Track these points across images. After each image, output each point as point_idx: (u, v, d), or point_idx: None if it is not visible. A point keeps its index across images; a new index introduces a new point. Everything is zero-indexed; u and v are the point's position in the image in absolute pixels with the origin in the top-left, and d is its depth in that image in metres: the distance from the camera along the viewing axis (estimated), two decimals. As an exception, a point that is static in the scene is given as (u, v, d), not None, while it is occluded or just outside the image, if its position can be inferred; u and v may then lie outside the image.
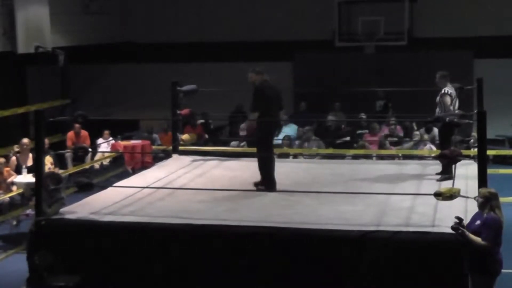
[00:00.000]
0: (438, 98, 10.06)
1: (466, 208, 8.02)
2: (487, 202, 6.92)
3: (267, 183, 9.43)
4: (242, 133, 9.66)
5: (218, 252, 7.73)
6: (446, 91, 9.92)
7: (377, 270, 7.42)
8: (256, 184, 9.50)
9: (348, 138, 15.58)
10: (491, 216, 6.84)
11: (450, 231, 7.28)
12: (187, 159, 11.41)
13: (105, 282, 7.97)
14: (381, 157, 13.92)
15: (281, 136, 15.36)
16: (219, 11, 19.00)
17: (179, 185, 9.74)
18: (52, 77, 17.45)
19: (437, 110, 10.07)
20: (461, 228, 6.84)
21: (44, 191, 8.10)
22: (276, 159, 13.32)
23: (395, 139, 15.60)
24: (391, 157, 13.87)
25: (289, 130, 15.97)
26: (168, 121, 14.07)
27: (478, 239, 6.76)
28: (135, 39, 19.29)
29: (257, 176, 10.48)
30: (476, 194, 7.56)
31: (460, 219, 6.92)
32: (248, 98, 16.87)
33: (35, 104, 16.15)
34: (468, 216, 7.68)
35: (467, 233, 6.79)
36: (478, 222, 6.89)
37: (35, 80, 18.32)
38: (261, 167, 9.55)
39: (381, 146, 15.03)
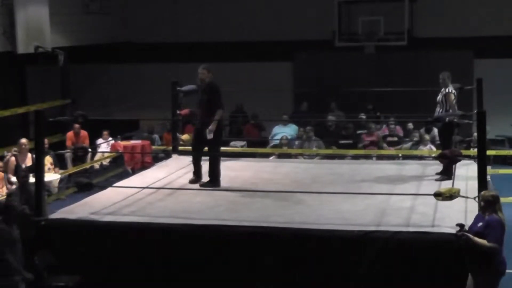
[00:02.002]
0: (440, 97, 10.07)
1: (466, 208, 8.03)
2: (490, 205, 6.87)
3: (215, 180, 9.74)
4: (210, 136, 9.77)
5: (218, 252, 7.73)
6: (450, 90, 9.97)
7: (377, 270, 7.42)
8: (203, 184, 9.73)
9: (351, 141, 15.53)
10: (494, 218, 6.81)
11: (450, 231, 7.29)
12: (187, 159, 11.42)
13: (105, 282, 7.98)
14: (381, 157, 13.91)
15: (279, 136, 15.35)
16: (219, 11, 18.98)
17: (179, 185, 9.75)
18: (52, 77, 17.44)
19: (437, 109, 10.08)
20: (465, 233, 6.78)
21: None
22: (276, 159, 13.43)
23: (395, 139, 15.58)
24: (391, 157, 13.86)
25: (289, 130, 15.96)
26: (168, 121, 14.08)
27: (483, 242, 6.70)
28: (135, 39, 19.27)
29: (257, 176, 10.52)
30: (476, 194, 7.56)
31: (461, 225, 6.87)
32: (248, 98, 17.08)
33: (35, 104, 16.15)
34: (468, 216, 7.69)
35: (471, 237, 6.74)
36: (480, 223, 6.83)
37: (35, 80, 18.32)
38: (215, 166, 9.80)
39: (379, 146, 15.01)
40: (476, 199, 7.52)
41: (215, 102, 9.74)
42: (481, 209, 6.95)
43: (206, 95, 9.76)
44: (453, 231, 7.15)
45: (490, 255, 6.73)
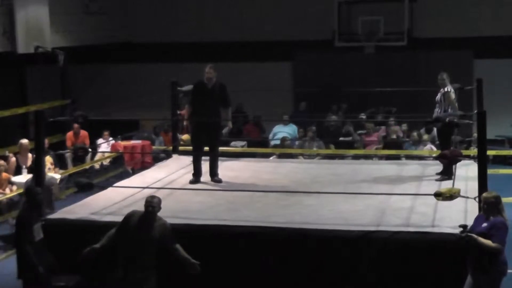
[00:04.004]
0: (438, 97, 10.05)
1: (466, 208, 8.02)
2: (494, 207, 6.84)
3: (217, 175, 10.05)
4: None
5: (218, 252, 7.73)
6: (449, 89, 9.95)
7: (377, 270, 7.43)
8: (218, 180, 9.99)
9: (351, 139, 15.53)
10: (499, 219, 6.78)
11: (450, 231, 7.30)
12: (187, 159, 11.41)
13: (105, 282, 7.97)
14: (381, 157, 13.91)
15: (279, 136, 15.37)
16: (219, 11, 18.99)
17: (179, 185, 9.74)
18: (52, 77, 17.44)
19: (436, 109, 10.06)
20: (468, 234, 6.73)
21: None
22: (276, 159, 13.43)
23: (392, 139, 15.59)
24: (391, 158, 13.85)
25: (289, 129, 15.96)
26: (168, 121, 14.08)
27: (488, 242, 6.67)
28: (135, 39, 19.28)
29: (257, 176, 10.52)
30: (476, 195, 7.56)
31: (464, 226, 6.84)
32: (248, 98, 17.08)
33: (35, 104, 16.14)
34: (468, 216, 7.69)
35: (475, 237, 6.69)
36: (485, 224, 6.80)
37: (35, 80, 18.30)
38: (217, 163, 10.07)
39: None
40: (476, 199, 7.52)
41: (228, 100, 9.96)
42: (484, 211, 6.90)
43: (215, 94, 9.82)
44: (453, 231, 7.17)
45: (493, 255, 6.72)
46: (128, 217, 7.26)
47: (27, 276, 7.62)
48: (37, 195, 7.74)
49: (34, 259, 7.41)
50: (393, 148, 14.52)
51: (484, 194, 7.02)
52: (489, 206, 6.84)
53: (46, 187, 9.16)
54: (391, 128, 15.61)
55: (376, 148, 14.91)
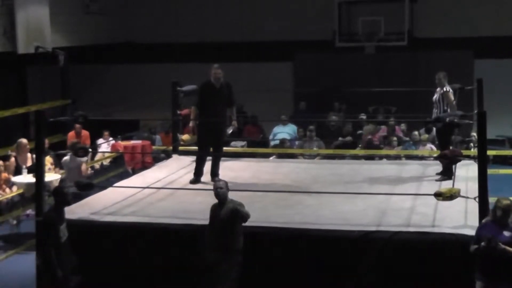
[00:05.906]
0: (436, 97, 10.02)
1: (466, 208, 8.03)
2: (509, 213, 6.69)
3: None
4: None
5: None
6: (447, 89, 9.92)
7: (377, 270, 7.43)
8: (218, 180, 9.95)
9: (349, 138, 15.52)
10: None
11: (450, 231, 7.30)
12: (187, 159, 11.41)
13: (105, 282, 7.98)
14: (381, 158, 13.91)
15: (279, 136, 15.36)
16: (219, 11, 19.00)
17: (179, 185, 9.75)
18: (52, 77, 17.44)
19: (435, 110, 10.03)
20: (500, 245, 6.51)
21: None
22: (276, 159, 13.43)
23: (394, 139, 15.58)
24: (391, 158, 13.85)
25: (289, 130, 15.96)
26: (168, 121, 14.07)
27: None
28: (135, 39, 19.28)
29: (258, 175, 10.52)
30: (476, 195, 7.55)
31: (492, 237, 6.56)
32: (248, 98, 17.12)
33: (36, 104, 16.15)
34: (468, 216, 7.70)
35: (503, 247, 6.51)
36: (507, 233, 6.60)
37: (35, 80, 18.31)
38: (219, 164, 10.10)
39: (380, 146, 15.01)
40: (477, 199, 7.52)
41: (233, 99, 10.01)
42: (500, 218, 6.67)
43: (223, 93, 9.83)
44: (453, 231, 7.20)
45: None
46: (212, 208, 7.51)
47: (46, 278, 7.55)
48: (67, 195, 7.69)
49: (54, 262, 7.34)
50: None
51: (501, 201, 6.75)
52: (505, 213, 6.66)
53: (76, 168, 10.65)
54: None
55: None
